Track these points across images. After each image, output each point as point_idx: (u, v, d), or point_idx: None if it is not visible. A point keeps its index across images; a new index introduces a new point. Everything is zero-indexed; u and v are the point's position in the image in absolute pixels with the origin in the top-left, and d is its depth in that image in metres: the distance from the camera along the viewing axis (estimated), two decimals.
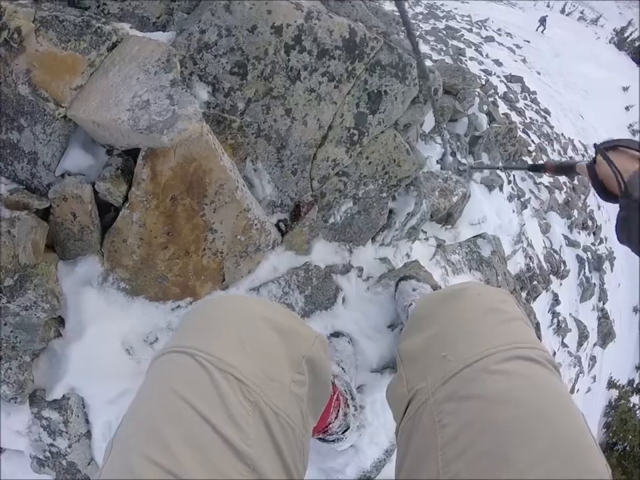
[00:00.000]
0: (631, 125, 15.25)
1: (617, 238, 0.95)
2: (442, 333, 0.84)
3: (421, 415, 0.71)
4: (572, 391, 5.74)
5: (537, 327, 2.77)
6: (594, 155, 1.13)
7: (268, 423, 0.64)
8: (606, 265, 7.86)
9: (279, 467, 0.63)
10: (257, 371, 0.68)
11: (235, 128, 1.30)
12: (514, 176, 4.40)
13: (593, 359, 6.97)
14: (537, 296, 3.96)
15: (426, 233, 2.38)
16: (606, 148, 1.05)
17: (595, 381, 7.35)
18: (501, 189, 3.52)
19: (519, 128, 6.66)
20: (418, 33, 9.30)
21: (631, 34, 26.45)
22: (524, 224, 3.97)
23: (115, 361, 1.28)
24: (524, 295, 3.55)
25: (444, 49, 8.66)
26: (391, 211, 1.90)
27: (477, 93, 4.50)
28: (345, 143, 1.51)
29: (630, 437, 8.70)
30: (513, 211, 3.74)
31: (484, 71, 8.91)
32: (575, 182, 7.84)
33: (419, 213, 2.01)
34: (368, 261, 1.91)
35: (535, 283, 3.91)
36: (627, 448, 9.08)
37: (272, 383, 0.69)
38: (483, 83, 7.53)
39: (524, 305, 2.67)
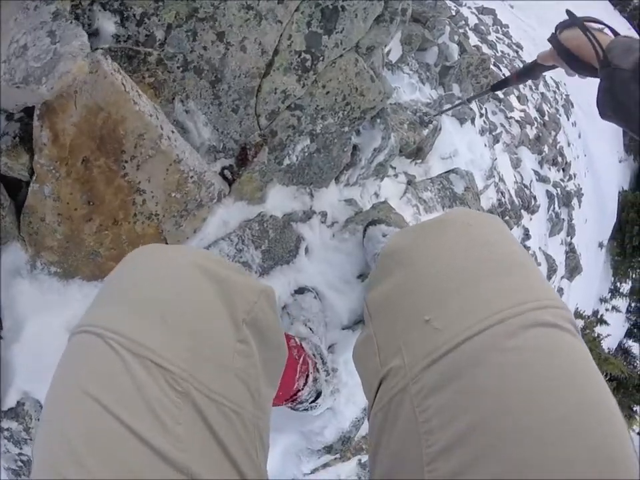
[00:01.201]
0: None
1: (600, 113, 0.87)
2: (423, 282, 0.59)
3: (397, 408, 0.51)
4: None
5: None
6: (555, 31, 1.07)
7: (204, 415, 0.51)
8: (574, 201, 7.88)
9: (223, 465, 0.51)
10: (183, 351, 0.53)
11: (152, 62, 1.05)
12: (485, 109, 4.20)
13: (560, 290, 7.09)
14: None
15: (395, 169, 2.20)
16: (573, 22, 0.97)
17: None
18: (472, 122, 3.32)
19: (491, 61, 6.39)
20: None
21: None
22: (495, 158, 3.81)
23: None
24: None
25: None
26: (355, 147, 1.69)
27: (447, 22, 4.23)
28: (296, 70, 1.26)
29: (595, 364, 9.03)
30: (485, 145, 3.57)
31: (454, 0, 8.49)
32: (546, 117, 7.70)
33: (386, 148, 1.81)
34: (332, 204, 1.72)
35: (507, 218, 3.81)
36: None
37: (205, 364, 0.55)
38: (453, 14, 7.16)
39: None
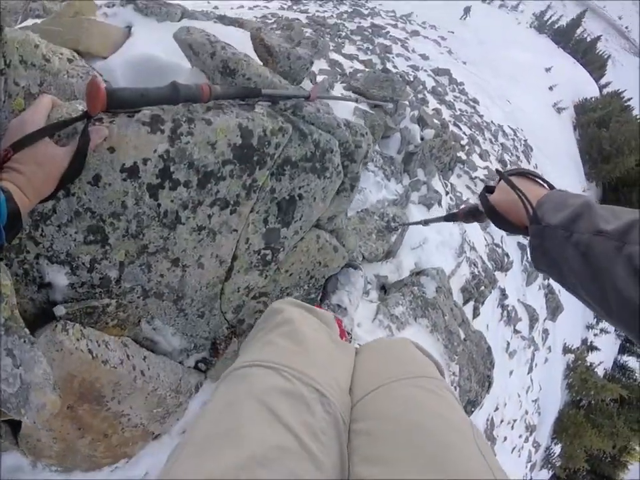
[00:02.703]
0: (555, 103, 15.55)
1: (535, 267, 0.83)
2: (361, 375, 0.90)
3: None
4: (530, 369, 5.84)
5: (489, 351, 2.62)
6: (492, 183, 1.04)
7: (339, 431, 0.70)
8: None
9: (338, 465, 0.68)
10: (331, 381, 0.73)
11: (112, 311, 1.04)
12: (450, 184, 4.26)
13: (545, 331, 7.10)
14: (484, 300, 3.85)
15: (366, 278, 2.17)
16: (510, 174, 0.93)
17: (550, 351, 7.54)
18: (439, 204, 3.36)
19: (450, 122, 6.57)
20: (344, 34, 9.07)
21: (550, 17, 27.09)
22: (465, 231, 3.84)
23: None
24: (470, 307, 3.42)
25: (370, 47, 8.45)
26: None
27: (407, 103, 4.33)
28: (257, 267, 1.28)
29: (592, 392, 9.03)
30: (453, 223, 3.60)
31: (411, 66, 8.78)
32: (508, 167, 7.87)
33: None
34: None
35: (482, 288, 3.79)
36: (592, 402, 9.48)
37: (343, 396, 0.75)
38: (411, 79, 7.40)
39: (474, 333, 2.51)
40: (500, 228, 0.98)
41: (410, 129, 3.88)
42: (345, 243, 1.54)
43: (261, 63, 1.63)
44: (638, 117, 16.30)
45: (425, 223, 1.96)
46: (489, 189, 1.03)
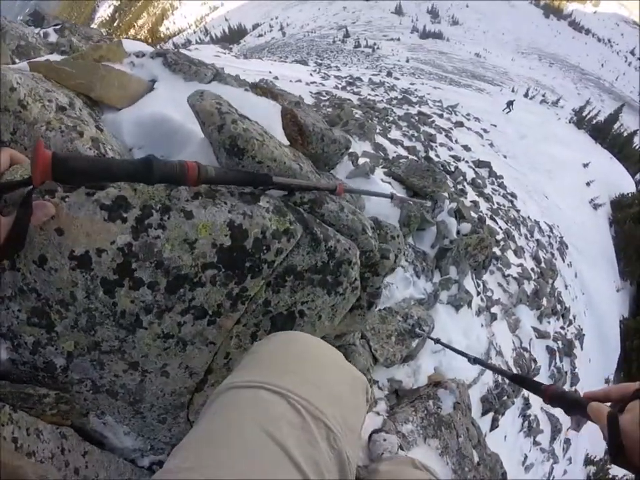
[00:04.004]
0: (592, 199, 15.31)
1: None
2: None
3: None
4: None
5: (504, 477, 2.32)
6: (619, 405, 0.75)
7: (343, 469, 0.63)
8: (576, 345, 7.50)
9: None
10: (339, 417, 0.67)
11: (49, 403, 0.87)
12: (483, 283, 4.06)
13: (567, 442, 6.50)
14: (505, 411, 3.53)
15: (377, 382, 1.98)
16: None
17: (570, 462, 6.86)
18: (469, 305, 3.15)
19: (487, 215, 6.44)
20: (391, 119, 9.25)
21: (589, 113, 27.38)
22: (493, 334, 3.60)
23: None
24: (489, 418, 3.13)
25: (415, 135, 8.55)
26: None
27: (446, 195, 4.22)
28: None
29: None
30: (482, 325, 3.36)
31: (453, 157, 8.81)
32: (542, 265, 7.60)
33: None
34: None
35: (505, 398, 3.48)
36: None
37: (350, 434, 0.68)
38: (452, 170, 7.38)
39: (489, 457, 2.23)
40: (613, 459, 0.73)
41: (447, 223, 3.74)
42: (352, 361, 1.33)
43: (287, 142, 1.47)
44: None
45: (475, 361, 1.65)
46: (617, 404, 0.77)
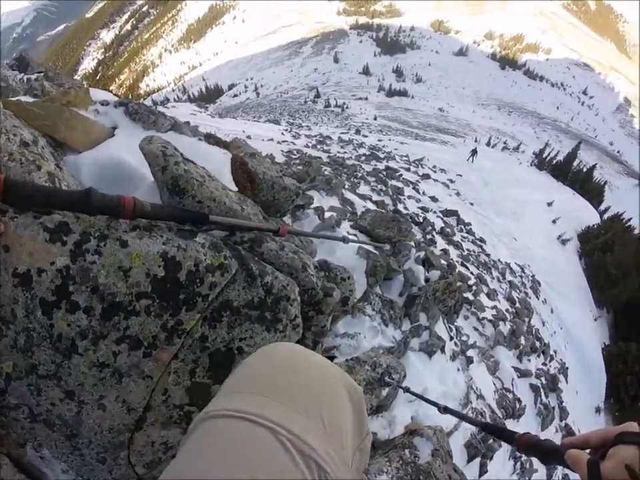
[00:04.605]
0: (560, 235, 15.68)
1: None
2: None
3: None
4: None
5: None
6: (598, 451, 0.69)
7: None
8: (561, 380, 7.46)
9: None
10: (333, 453, 0.61)
11: None
12: (456, 328, 4.08)
13: (565, 477, 6.35)
14: (493, 455, 3.46)
15: None
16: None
17: None
18: (442, 350, 3.15)
19: (458, 262, 6.54)
20: (360, 175, 9.51)
21: (548, 154, 28.45)
22: (471, 378, 3.58)
23: None
24: (476, 464, 3.06)
25: (383, 189, 8.80)
26: None
27: (412, 244, 4.30)
28: (179, 424, 1.02)
29: None
30: (458, 370, 3.35)
31: (421, 208, 9.05)
32: (517, 305, 7.67)
33: None
34: None
35: (490, 442, 3.43)
36: None
37: (344, 469, 0.62)
38: (421, 221, 7.55)
39: None
40: None
41: (414, 271, 3.80)
42: None
43: (236, 188, 1.51)
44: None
45: (445, 410, 1.59)
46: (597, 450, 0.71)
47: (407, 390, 2.18)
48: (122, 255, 0.85)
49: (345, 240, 1.95)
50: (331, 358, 2.08)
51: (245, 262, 1.00)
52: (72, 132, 1.33)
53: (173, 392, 0.99)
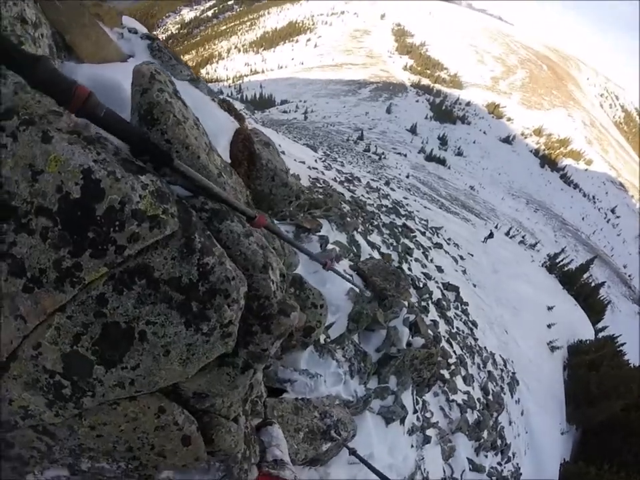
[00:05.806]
0: (551, 341, 15.40)
1: None
2: None
3: None
4: None
5: None
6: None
7: None
8: None
9: None
10: None
11: None
12: (423, 402, 3.89)
13: None
14: None
15: None
16: None
17: None
18: (402, 421, 2.97)
19: (444, 337, 6.35)
20: (375, 223, 9.43)
21: (562, 260, 28.29)
22: (422, 458, 3.36)
23: None
24: None
25: (394, 244, 8.69)
26: None
27: (405, 304, 4.16)
28: (45, 393, 0.82)
29: None
30: (412, 446, 3.16)
31: (424, 274, 8.90)
32: (490, 397, 7.40)
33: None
34: None
35: None
36: None
37: None
38: (421, 286, 7.39)
39: None
40: None
41: (399, 330, 3.65)
42: (215, 438, 1.01)
43: (229, 161, 1.29)
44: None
45: None
46: None
47: (353, 452, 2.01)
48: (38, 151, 0.67)
49: (325, 265, 1.80)
50: (281, 392, 1.92)
51: (189, 228, 0.79)
52: (83, 39, 1.23)
53: (46, 351, 0.78)
